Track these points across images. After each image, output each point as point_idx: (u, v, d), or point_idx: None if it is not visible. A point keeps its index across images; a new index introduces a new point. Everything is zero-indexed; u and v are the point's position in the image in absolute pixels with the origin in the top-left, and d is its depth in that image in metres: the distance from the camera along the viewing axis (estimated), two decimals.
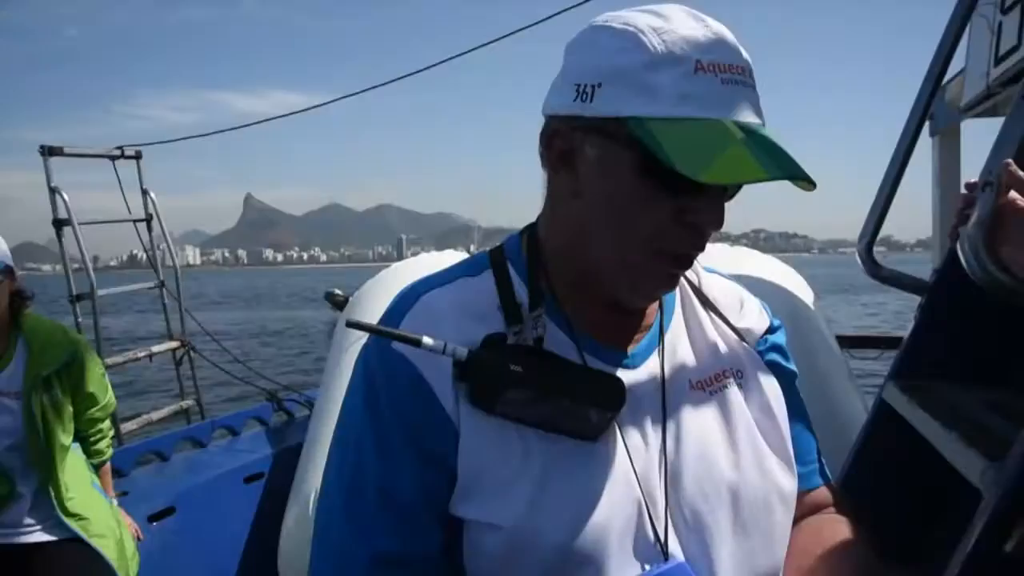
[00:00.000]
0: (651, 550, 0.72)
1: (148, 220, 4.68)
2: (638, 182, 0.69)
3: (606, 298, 0.77)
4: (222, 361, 4.90)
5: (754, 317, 0.89)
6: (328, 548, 0.75)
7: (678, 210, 0.69)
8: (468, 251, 2.57)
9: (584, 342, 0.76)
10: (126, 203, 4.70)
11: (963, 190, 1.00)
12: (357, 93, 5.10)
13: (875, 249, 1.76)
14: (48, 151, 4.06)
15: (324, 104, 5.61)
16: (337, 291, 4.33)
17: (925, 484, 1.42)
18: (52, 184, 4.01)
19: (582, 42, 0.73)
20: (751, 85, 0.69)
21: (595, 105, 0.69)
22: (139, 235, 4.73)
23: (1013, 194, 0.86)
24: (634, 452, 0.74)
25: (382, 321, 0.77)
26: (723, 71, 0.66)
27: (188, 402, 4.51)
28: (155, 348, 4.45)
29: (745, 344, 0.86)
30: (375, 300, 2.82)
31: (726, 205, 0.72)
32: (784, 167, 0.65)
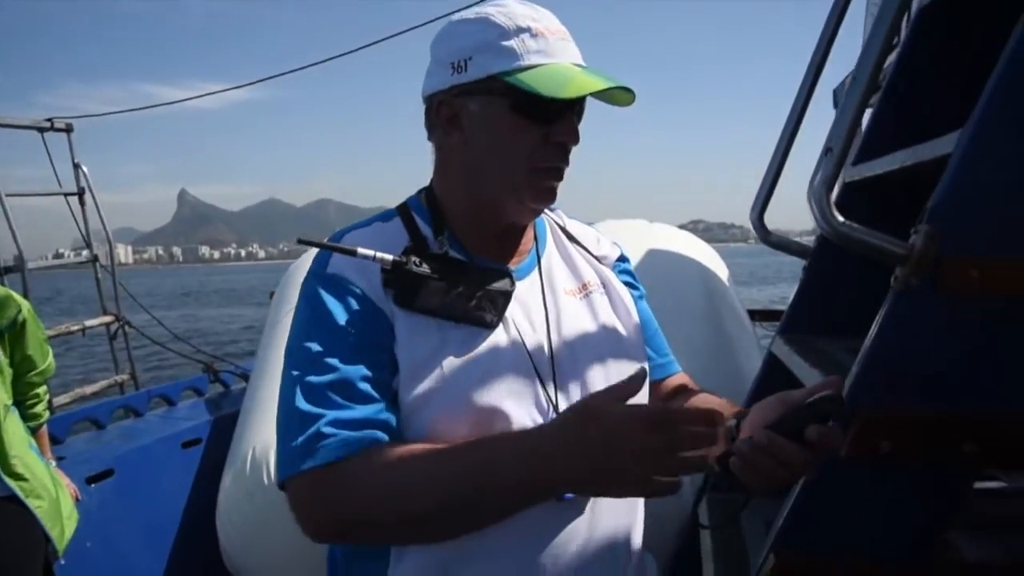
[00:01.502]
0: (545, 411, 0.93)
1: (80, 194, 4.61)
2: (513, 119, 0.92)
3: (495, 228, 0.99)
4: (157, 336, 4.88)
5: (608, 248, 1.15)
6: (291, 437, 0.85)
7: (545, 134, 0.93)
8: None
9: (479, 261, 0.97)
10: (56, 176, 4.62)
11: None
12: (277, 76, 5.10)
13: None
14: None
15: (243, 86, 5.56)
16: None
17: None
18: None
19: (447, 33, 0.96)
20: (572, 41, 0.96)
21: (470, 73, 0.92)
22: (71, 210, 4.65)
23: None
24: (525, 337, 0.95)
25: (315, 260, 0.95)
26: (553, 33, 0.93)
27: (123, 376, 4.48)
28: (88, 322, 4.40)
29: (603, 266, 1.11)
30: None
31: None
32: (613, 81, 0.90)
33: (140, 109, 6.30)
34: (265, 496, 2.14)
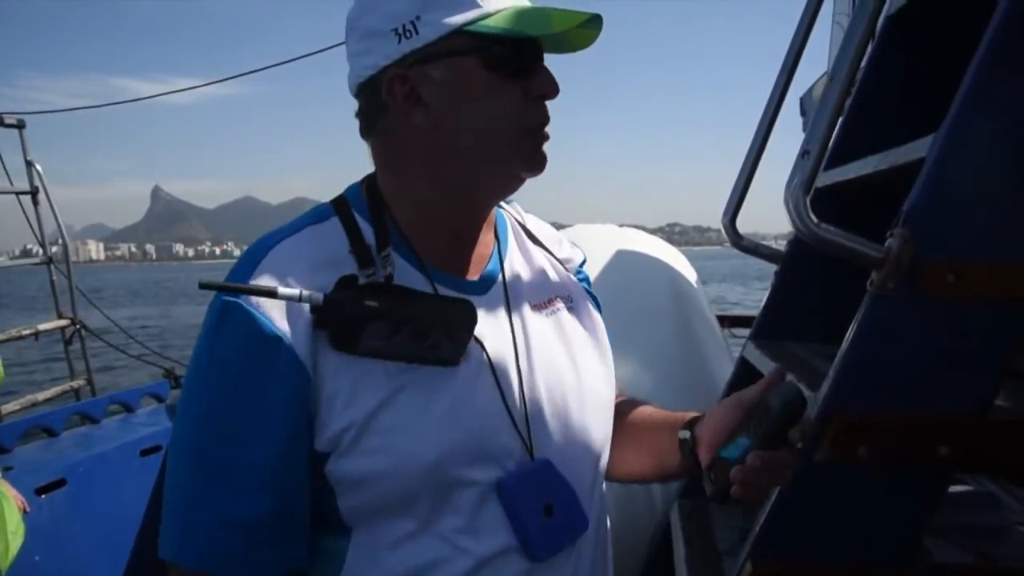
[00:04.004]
0: (519, 452, 0.82)
1: (34, 193, 4.45)
2: (488, 77, 0.79)
3: (458, 226, 0.86)
4: (116, 341, 4.73)
5: (570, 250, 1.03)
6: (172, 512, 0.77)
7: (524, 89, 0.81)
8: None
9: (433, 273, 0.83)
10: (7, 174, 4.46)
11: None
12: (257, 71, 5.01)
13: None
14: None
15: (222, 80, 5.45)
16: None
17: None
18: None
19: (367, 3, 0.81)
20: None
21: (424, 34, 0.77)
22: (23, 209, 4.50)
23: None
24: (496, 370, 0.82)
25: (232, 277, 0.78)
26: None
27: (79, 382, 4.33)
28: (42, 326, 4.25)
29: (567, 271, 1.00)
30: None
31: None
32: (585, 13, 0.78)
33: (109, 105, 6.10)
34: None
